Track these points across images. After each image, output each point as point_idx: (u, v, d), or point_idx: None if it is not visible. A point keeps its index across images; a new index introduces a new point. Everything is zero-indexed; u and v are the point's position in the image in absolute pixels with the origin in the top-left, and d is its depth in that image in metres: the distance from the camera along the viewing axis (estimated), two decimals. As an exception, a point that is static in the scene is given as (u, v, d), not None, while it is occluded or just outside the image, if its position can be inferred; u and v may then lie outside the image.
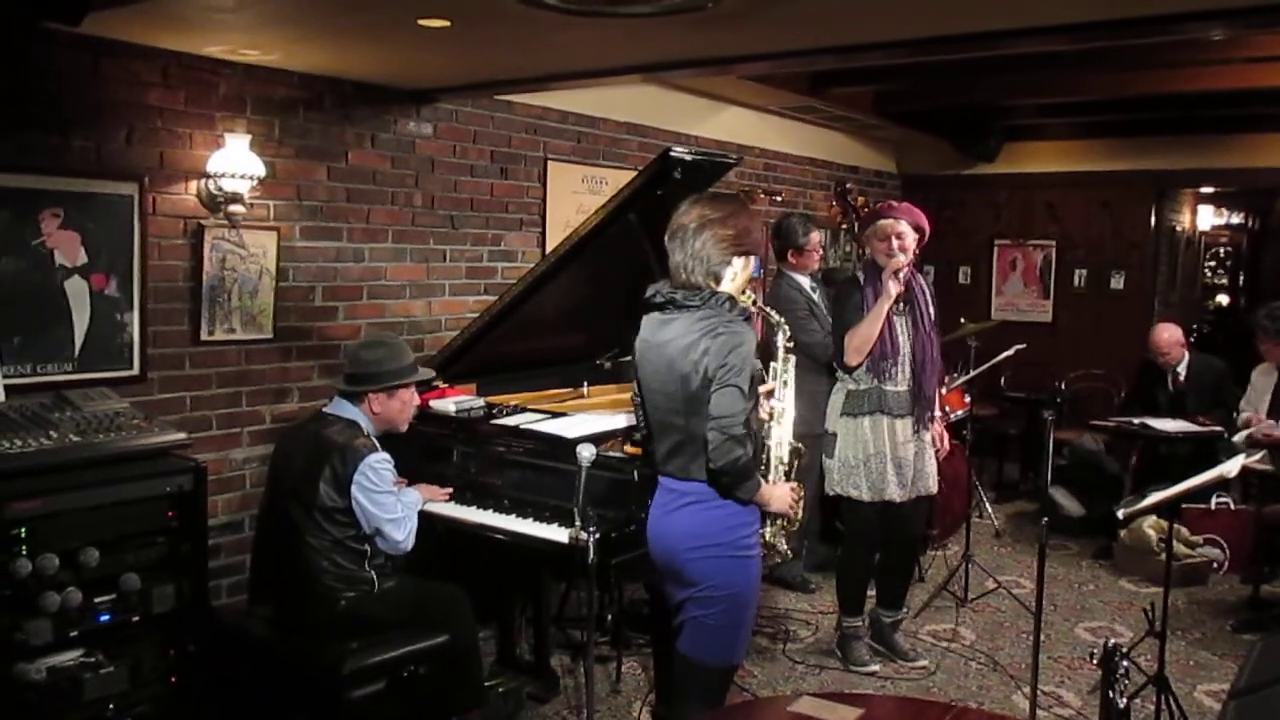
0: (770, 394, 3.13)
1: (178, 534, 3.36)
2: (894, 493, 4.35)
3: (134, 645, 3.26)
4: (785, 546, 3.17)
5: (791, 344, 3.19)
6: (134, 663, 3.25)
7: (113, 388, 3.65)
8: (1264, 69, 5.71)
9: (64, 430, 3.23)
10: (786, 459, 3.14)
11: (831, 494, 4.46)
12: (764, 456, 3.11)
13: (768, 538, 3.09)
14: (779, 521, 3.10)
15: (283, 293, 4.31)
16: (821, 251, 5.47)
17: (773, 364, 3.15)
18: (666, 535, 2.97)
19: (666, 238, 2.98)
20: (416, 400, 3.76)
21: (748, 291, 3.04)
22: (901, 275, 4.28)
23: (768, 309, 3.19)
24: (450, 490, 3.88)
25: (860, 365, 4.32)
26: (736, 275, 2.95)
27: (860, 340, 4.28)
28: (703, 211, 2.93)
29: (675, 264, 2.94)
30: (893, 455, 4.34)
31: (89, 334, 3.70)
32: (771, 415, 3.13)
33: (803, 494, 3.19)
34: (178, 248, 3.97)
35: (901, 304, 4.37)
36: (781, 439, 3.14)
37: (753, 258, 3.01)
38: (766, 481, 3.03)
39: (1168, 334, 6.29)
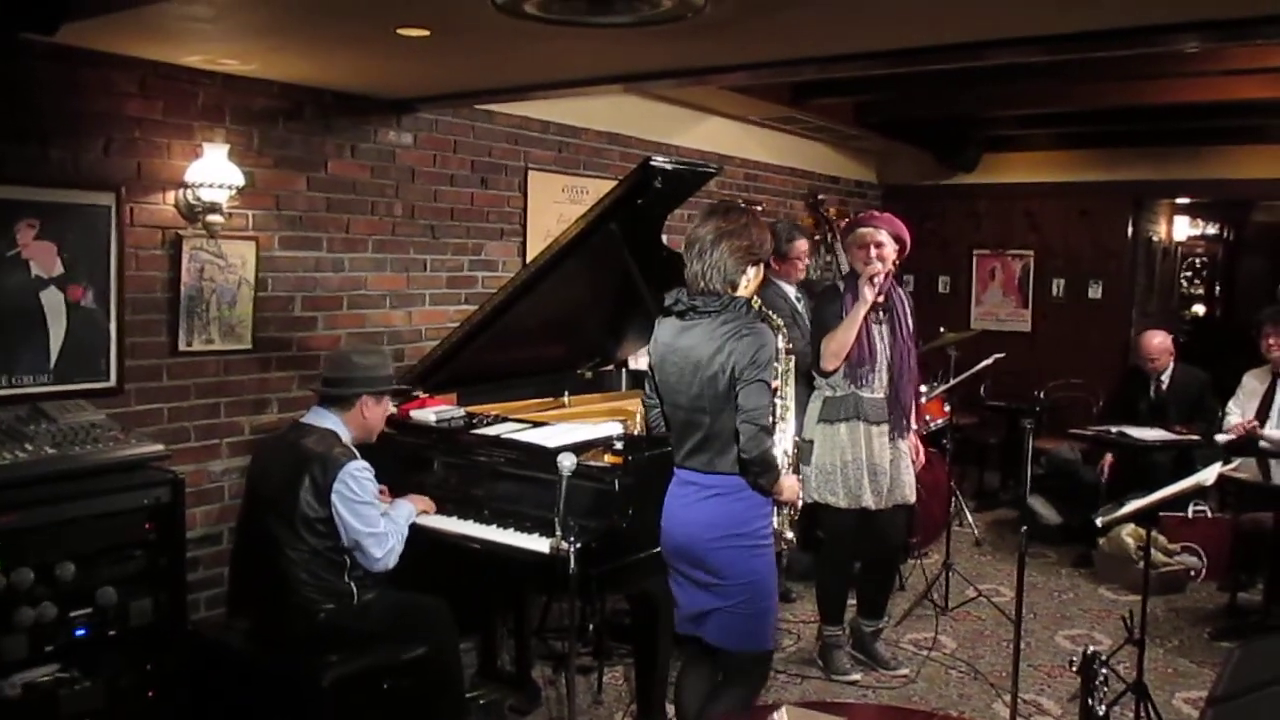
0: (775, 392, 3.29)
1: (155, 547, 3.34)
2: (870, 500, 4.38)
3: (111, 660, 3.24)
4: (791, 534, 3.33)
5: (791, 345, 3.35)
6: (111, 678, 3.22)
7: (89, 399, 3.62)
8: (1239, 81, 5.77)
9: (40, 443, 3.20)
10: (791, 452, 3.31)
11: (809, 500, 4.44)
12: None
13: (776, 526, 3.25)
14: (786, 511, 3.29)
15: (262, 303, 4.28)
16: (806, 261, 5.37)
17: (775, 364, 3.28)
18: (689, 525, 3.12)
19: (684, 249, 3.18)
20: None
21: (754, 298, 3.23)
22: (877, 282, 4.31)
23: (769, 313, 3.33)
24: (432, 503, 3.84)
25: (836, 371, 4.36)
26: (750, 282, 3.15)
27: (836, 345, 4.31)
28: (719, 224, 3.12)
29: (693, 273, 3.12)
30: (869, 462, 4.37)
31: (65, 345, 3.66)
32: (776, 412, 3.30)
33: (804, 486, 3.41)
34: (155, 258, 3.94)
35: (880, 312, 4.41)
36: (786, 433, 3.31)
37: (761, 266, 3.19)
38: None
39: (1158, 340, 6.34)
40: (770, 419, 2.96)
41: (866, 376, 4.37)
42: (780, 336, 3.28)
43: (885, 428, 4.41)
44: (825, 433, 4.39)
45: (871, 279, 4.30)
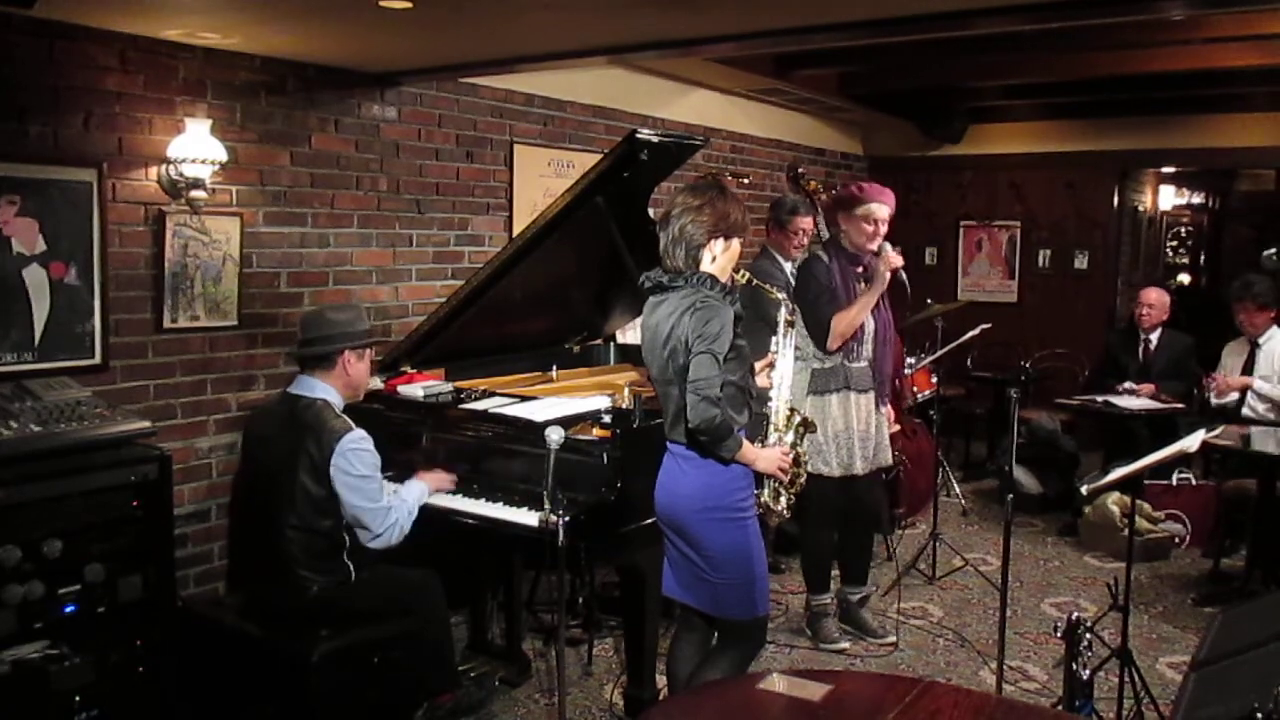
0: (771, 366, 3.36)
1: (143, 523, 3.34)
2: (859, 466, 4.45)
3: (100, 636, 3.24)
4: (783, 506, 3.33)
5: (794, 318, 3.39)
6: (100, 654, 3.22)
7: (74, 377, 3.61)
8: (1223, 49, 5.77)
9: (25, 420, 3.18)
10: (783, 425, 3.32)
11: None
12: (763, 423, 3.33)
13: (764, 498, 3.27)
14: (772, 483, 3.28)
15: (247, 279, 4.26)
16: (806, 239, 5.06)
17: (774, 337, 3.36)
18: (674, 497, 3.16)
19: (657, 226, 3.22)
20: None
21: (742, 271, 3.25)
22: (897, 265, 4.36)
23: (768, 286, 3.36)
24: (455, 478, 3.75)
25: (839, 349, 4.39)
26: (716, 257, 3.15)
27: (847, 327, 4.34)
28: (684, 200, 3.16)
29: (662, 250, 3.17)
30: (859, 430, 4.43)
31: (49, 323, 3.64)
32: (770, 384, 3.35)
33: (805, 457, 3.39)
34: (139, 234, 3.91)
35: (863, 283, 4.43)
36: (779, 406, 3.33)
37: (734, 239, 3.17)
38: (765, 445, 3.25)
39: (1156, 294, 6.44)
40: (717, 391, 2.94)
41: (855, 347, 4.42)
42: (784, 308, 3.34)
43: (871, 395, 4.49)
44: (816, 404, 4.41)
45: (893, 267, 4.34)
